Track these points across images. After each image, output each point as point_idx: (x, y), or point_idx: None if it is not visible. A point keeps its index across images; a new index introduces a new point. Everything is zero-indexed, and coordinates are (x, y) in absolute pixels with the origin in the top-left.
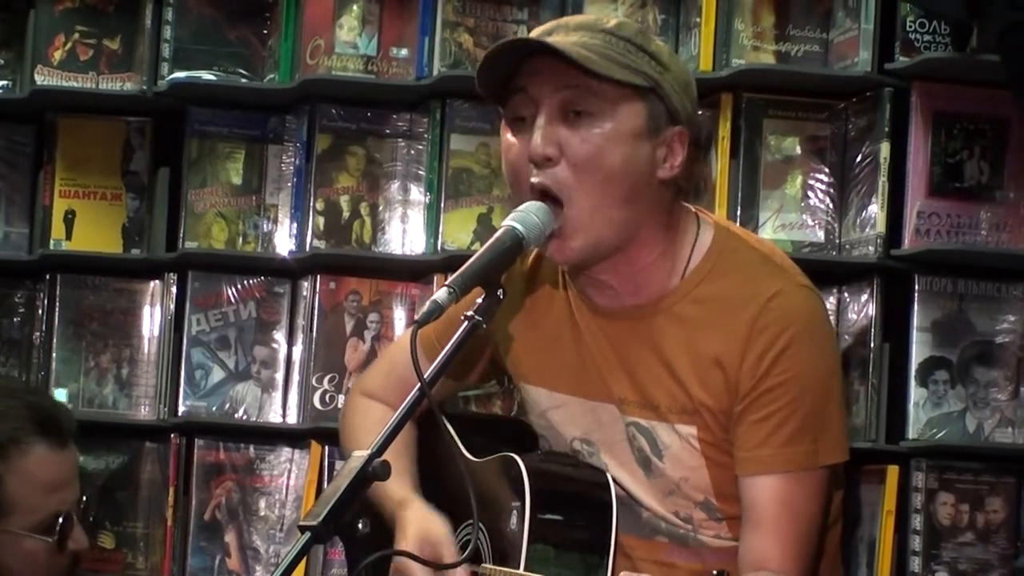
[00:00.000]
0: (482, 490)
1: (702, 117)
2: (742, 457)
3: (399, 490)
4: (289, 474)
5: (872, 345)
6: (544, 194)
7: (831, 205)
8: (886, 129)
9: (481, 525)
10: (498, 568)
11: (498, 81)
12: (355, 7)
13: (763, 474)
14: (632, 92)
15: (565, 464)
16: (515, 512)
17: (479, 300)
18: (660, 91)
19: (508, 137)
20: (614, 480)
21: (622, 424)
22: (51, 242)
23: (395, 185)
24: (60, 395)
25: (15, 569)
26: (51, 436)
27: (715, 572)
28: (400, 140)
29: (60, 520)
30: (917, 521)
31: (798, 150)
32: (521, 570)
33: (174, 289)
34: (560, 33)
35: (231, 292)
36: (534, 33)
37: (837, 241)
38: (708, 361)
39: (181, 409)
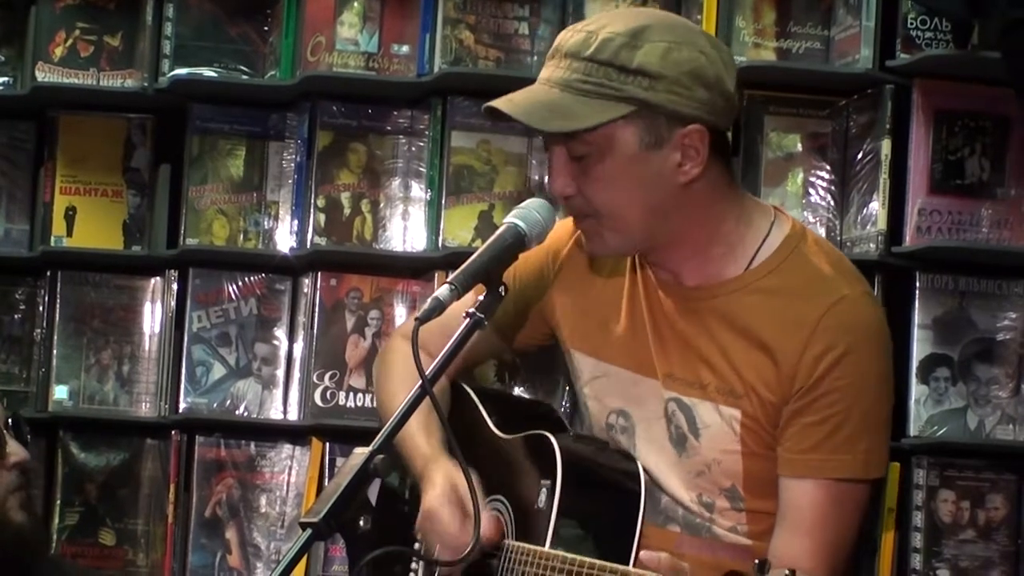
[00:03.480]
0: (508, 466)
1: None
2: (789, 458)
3: (426, 446)
4: (290, 471)
5: None
6: None
7: (832, 202)
8: (887, 126)
9: (504, 499)
10: (521, 544)
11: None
12: (356, 4)
13: (808, 477)
14: (615, 123)
15: (597, 448)
16: (545, 489)
17: (480, 298)
18: (650, 106)
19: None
20: (642, 462)
21: (662, 400)
22: (52, 239)
23: (396, 182)
24: (61, 392)
25: None
26: None
27: (756, 561)
28: (401, 137)
29: None
30: (918, 518)
31: (799, 147)
32: (547, 547)
33: (175, 286)
34: (552, 63)
35: (232, 289)
36: (552, 49)
37: (838, 238)
38: (764, 350)
39: (182, 406)
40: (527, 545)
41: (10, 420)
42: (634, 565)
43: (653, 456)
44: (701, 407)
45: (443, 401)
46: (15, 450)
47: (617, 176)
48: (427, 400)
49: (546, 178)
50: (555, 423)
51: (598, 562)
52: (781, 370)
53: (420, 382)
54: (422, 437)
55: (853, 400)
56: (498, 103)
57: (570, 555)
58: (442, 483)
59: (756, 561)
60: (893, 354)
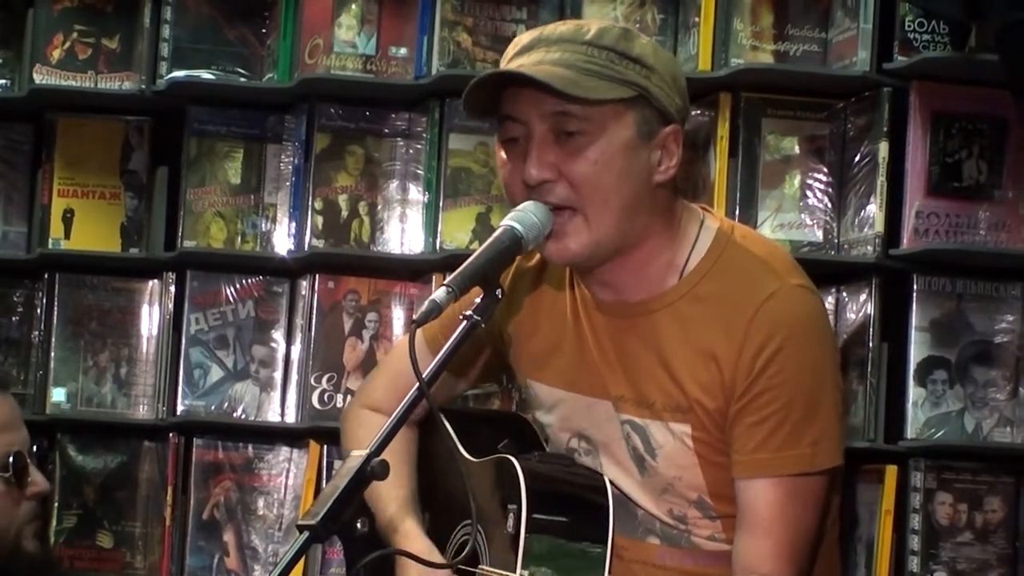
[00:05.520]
0: (480, 491)
1: (701, 119)
2: (739, 460)
3: (392, 504)
4: (288, 473)
5: (870, 345)
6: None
7: (830, 205)
8: (885, 129)
9: (479, 527)
10: (494, 570)
11: (483, 109)
12: (354, 6)
13: (759, 477)
14: (620, 105)
15: (562, 466)
16: (512, 514)
17: (478, 300)
18: (648, 96)
19: (502, 155)
20: (610, 480)
21: (617, 422)
22: (50, 241)
23: (394, 184)
24: (58, 394)
25: None
26: None
27: None
28: (399, 139)
29: (12, 459)
30: (915, 521)
31: (797, 150)
32: (517, 572)
33: (172, 288)
34: (541, 49)
35: (230, 291)
36: (515, 48)
37: (836, 241)
38: (704, 358)
39: (179, 408)
40: (499, 572)
41: (35, 448)
42: (608, 574)
43: (620, 477)
44: (653, 427)
45: (410, 444)
46: (38, 481)
47: (608, 160)
48: (397, 441)
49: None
50: (525, 438)
51: None
52: (723, 376)
53: (417, 384)
54: (387, 497)
55: (793, 394)
56: (511, 68)
57: None
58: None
59: None
60: (891, 356)
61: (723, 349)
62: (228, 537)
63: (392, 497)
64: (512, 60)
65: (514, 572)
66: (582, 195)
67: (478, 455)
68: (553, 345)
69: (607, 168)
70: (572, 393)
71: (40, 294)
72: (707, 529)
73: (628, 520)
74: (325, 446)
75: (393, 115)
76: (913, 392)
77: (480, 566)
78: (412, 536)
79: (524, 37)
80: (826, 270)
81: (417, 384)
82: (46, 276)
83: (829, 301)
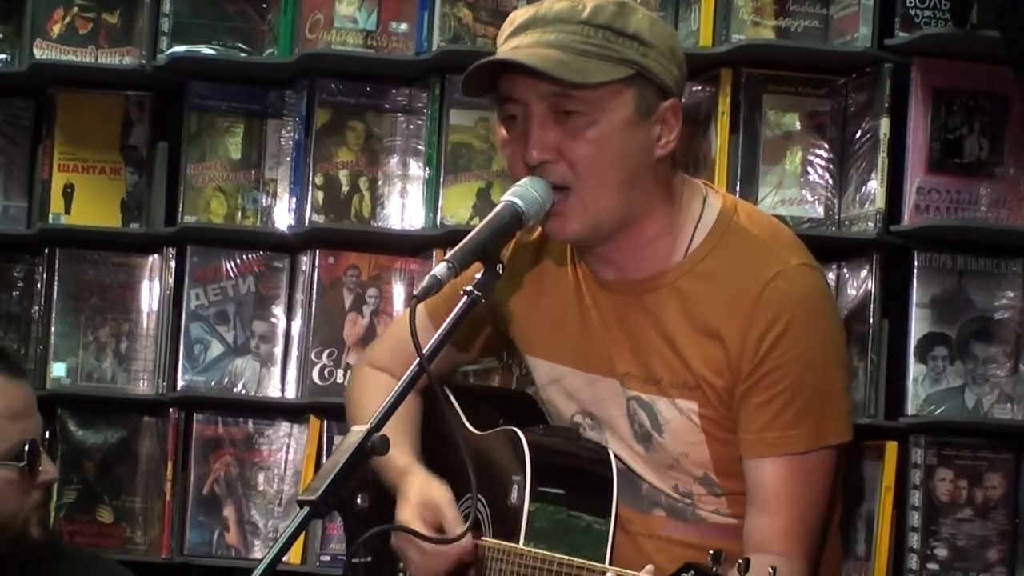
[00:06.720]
0: (484, 463)
1: (702, 95)
2: (747, 439)
3: (401, 458)
4: (288, 449)
5: (871, 321)
6: None
7: (830, 181)
8: (886, 105)
9: (482, 498)
10: (497, 541)
11: (482, 89)
12: None
13: (767, 456)
14: (618, 84)
15: (566, 438)
16: (516, 485)
17: (478, 275)
18: (647, 72)
19: (503, 133)
20: (614, 454)
21: (623, 399)
22: (50, 216)
23: (394, 160)
24: (59, 369)
25: None
26: (1, 364)
27: (712, 552)
28: (399, 115)
29: (27, 448)
30: (916, 497)
31: (798, 126)
32: (521, 544)
33: (173, 263)
34: (537, 29)
35: (230, 267)
36: (511, 25)
37: (836, 217)
38: (709, 336)
39: (180, 384)
40: (502, 543)
41: (47, 434)
42: (612, 547)
43: (624, 453)
44: (660, 403)
45: (416, 413)
46: (47, 469)
47: (607, 140)
48: (399, 413)
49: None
50: (529, 414)
51: (567, 558)
52: (730, 354)
53: (418, 359)
54: (395, 449)
55: (800, 374)
56: (507, 55)
57: (542, 552)
58: (415, 499)
59: (711, 552)
60: (891, 332)
61: (727, 328)
62: (228, 512)
63: (398, 456)
64: (508, 40)
65: (517, 543)
66: (581, 175)
67: (482, 428)
68: (555, 322)
69: (606, 148)
70: (576, 370)
71: (40, 269)
72: (712, 504)
73: (633, 493)
74: (325, 421)
75: (394, 90)
76: (914, 368)
77: (483, 537)
78: (414, 471)
79: (519, 14)
80: (827, 246)
81: (418, 360)
82: (46, 251)
83: (830, 277)
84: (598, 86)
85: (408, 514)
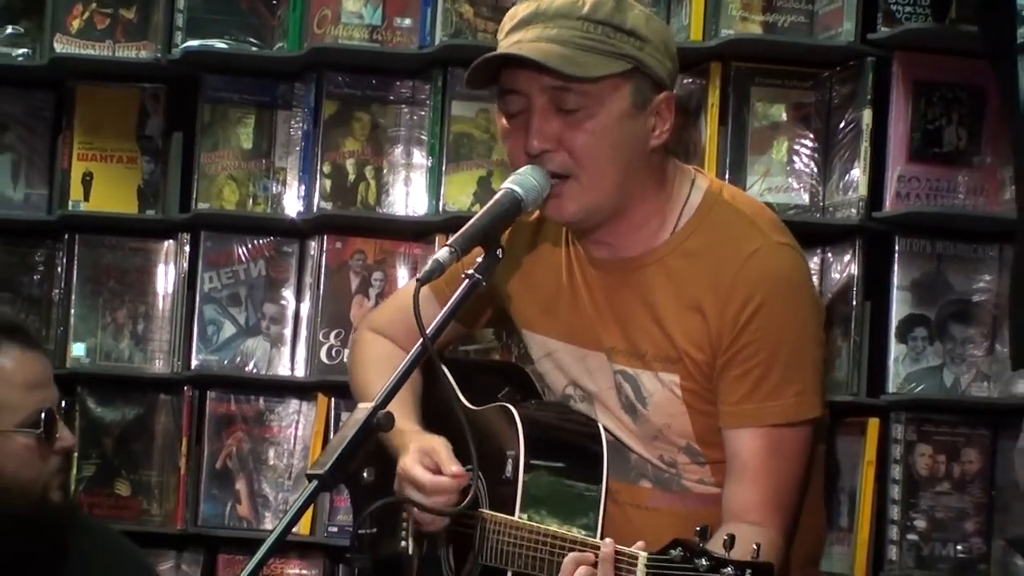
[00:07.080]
0: (479, 438)
1: (692, 87)
2: (725, 411)
3: (404, 425)
4: (297, 425)
5: (854, 303)
6: None
7: (815, 169)
8: (868, 97)
9: (480, 472)
10: (494, 514)
11: (484, 83)
12: None
13: (744, 427)
14: (616, 78)
15: (558, 413)
16: (510, 460)
17: (479, 259)
18: (643, 67)
19: (504, 123)
20: (603, 426)
21: (610, 372)
22: (69, 203)
23: (399, 149)
24: (78, 349)
25: (8, 468)
26: (19, 337)
27: (698, 527)
28: (403, 106)
29: (43, 416)
30: (896, 471)
31: (784, 117)
32: (516, 516)
33: (187, 248)
34: (538, 24)
35: (242, 251)
36: (511, 20)
37: (821, 204)
38: (692, 311)
39: (194, 363)
40: (498, 515)
41: (63, 403)
42: (603, 513)
43: (612, 424)
44: (643, 376)
45: (417, 386)
46: (65, 436)
47: (606, 131)
48: (405, 385)
49: (504, 140)
50: (523, 388)
51: (562, 531)
52: (710, 328)
53: (421, 339)
54: (399, 421)
55: (775, 348)
56: (512, 50)
57: (536, 525)
58: (414, 448)
59: (697, 528)
60: (873, 314)
61: (709, 303)
62: (240, 486)
63: (400, 423)
64: (510, 34)
65: (513, 515)
66: (581, 164)
67: (478, 403)
68: (549, 299)
69: (605, 139)
70: (567, 344)
71: (60, 254)
72: (696, 474)
73: (622, 464)
74: (333, 399)
75: (398, 83)
76: (894, 348)
77: (480, 510)
78: (415, 433)
79: (520, 9)
80: (812, 232)
81: (421, 340)
82: (66, 237)
83: (815, 262)
84: (598, 80)
85: (408, 461)
